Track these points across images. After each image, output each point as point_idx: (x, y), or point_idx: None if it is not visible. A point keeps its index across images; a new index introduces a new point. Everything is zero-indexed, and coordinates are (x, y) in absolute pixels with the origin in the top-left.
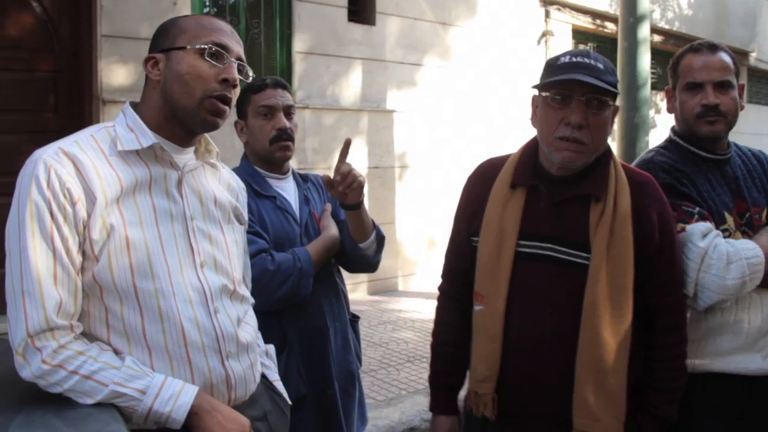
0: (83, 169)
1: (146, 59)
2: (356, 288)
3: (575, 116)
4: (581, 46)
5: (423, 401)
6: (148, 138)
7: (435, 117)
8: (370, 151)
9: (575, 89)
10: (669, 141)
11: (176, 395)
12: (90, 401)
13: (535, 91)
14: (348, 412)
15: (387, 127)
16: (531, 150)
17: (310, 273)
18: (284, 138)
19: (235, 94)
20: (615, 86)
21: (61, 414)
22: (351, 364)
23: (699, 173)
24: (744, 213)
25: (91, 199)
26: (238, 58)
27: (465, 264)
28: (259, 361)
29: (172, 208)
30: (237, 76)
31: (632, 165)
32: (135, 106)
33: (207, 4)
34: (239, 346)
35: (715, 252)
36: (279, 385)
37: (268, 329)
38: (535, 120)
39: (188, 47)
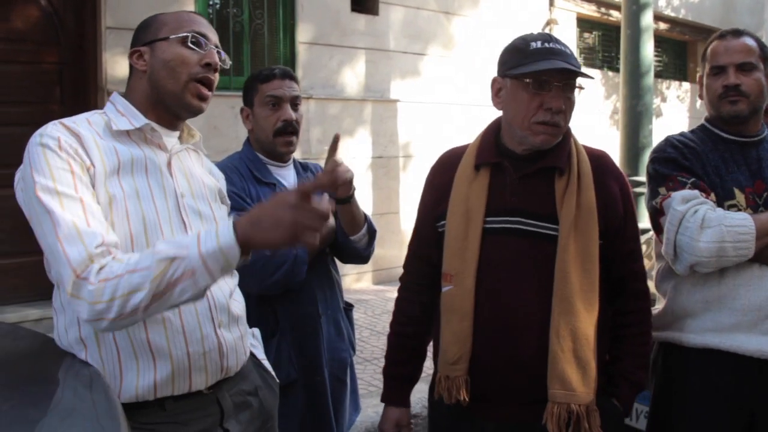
0: (84, 140)
1: (131, 53)
2: (361, 277)
3: (556, 102)
4: (586, 35)
5: (425, 389)
6: (139, 119)
7: (439, 106)
8: (374, 141)
9: (554, 75)
10: (700, 125)
11: (215, 230)
12: (148, 291)
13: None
14: (339, 398)
15: (391, 116)
16: (492, 132)
17: (305, 260)
18: (289, 131)
19: (215, 78)
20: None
21: None
22: (343, 351)
23: (714, 152)
24: (762, 193)
25: (90, 168)
26: (216, 46)
27: (427, 253)
28: (249, 336)
29: (165, 185)
30: (218, 60)
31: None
32: (122, 96)
33: None
34: (230, 316)
35: (693, 216)
36: (266, 364)
37: (260, 314)
38: (499, 102)
39: (171, 37)
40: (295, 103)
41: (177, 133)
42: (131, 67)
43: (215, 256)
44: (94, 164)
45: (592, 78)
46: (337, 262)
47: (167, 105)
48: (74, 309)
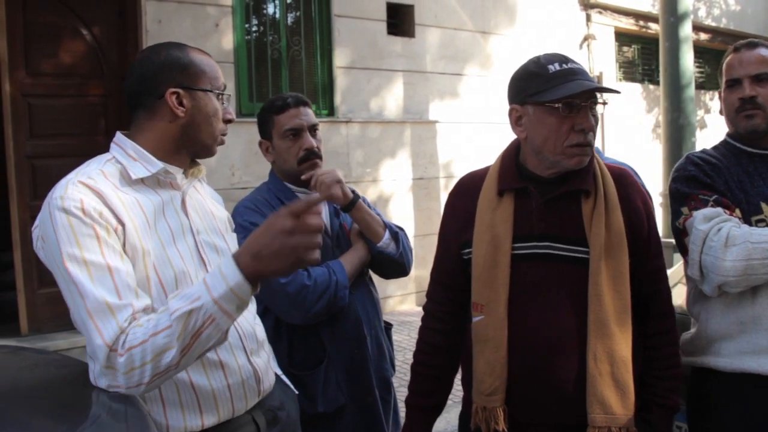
0: (107, 199)
1: (170, 92)
2: (405, 299)
3: (587, 123)
4: (625, 49)
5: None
6: (154, 164)
7: (478, 126)
8: (414, 162)
9: (581, 96)
10: (722, 140)
11: (219, 272)
12: (176, 349)
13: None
14: (385, 418)
15: (430, 138)
16: (511, 156)
17: (346, 285)
18: (312, 157)
19: None
20: None
21: None
22: (386, 371)
23: (737, 166)
24: None
25: (119, 225)
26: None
27: (452, 281)
28: (271, 354)
29: (183, 225)
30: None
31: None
32: (129, 137)
33: (248, 24)
34: (258, 342)
35: (717, 234)
36: (284, 377)
37: (306, 342)
38: (522, 130)
39: (214, 90)
40: (313, 129)
41: (182, 168)
42: (151, 105)
43: (228, 298)
44: (123, 222)
45: (618, 92)
46: (376, 281)
47: (195, 152)
48: (110, 383)
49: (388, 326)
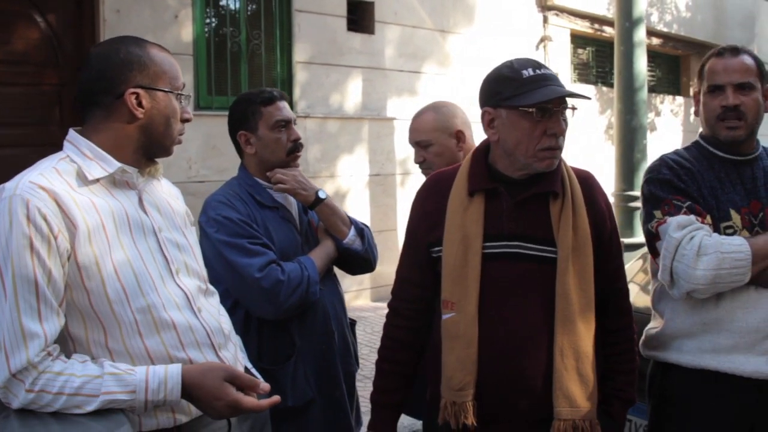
0: (60, 199)
1: (130, 93)
2: (359, 295)
3: (559, 127)
4: (580, 51)
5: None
6: (111, 163)
7: None
8: (371, 158)
9: (553, 102)
10: (694, 142)
11: (163, 381)
12: (84, 410)
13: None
14: (354, 411)
15: (388, 134)
16: (481, 157)
17: (317, 280)
18: (300, 149)
19: None
20: None
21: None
22: (351, 366)
23: (710, 171)
24: (758, 213)
25: (71, 229)
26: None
27: (420, 279)
28: (238, 346)
29: (143, 225)
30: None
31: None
32: (83, 134)
33: (207, 16)
34: (224, 336)
35: (690, 243)
36: (254, 371)
37: (275, 336)
38: (494, 133)
39: (176, 92)
40: (295, 122)
41: (137, 167)
42: (109, 105)
43: (157, 402)
44: (76, 225)
45: (589, 98)
46: (343, 279)
47: (152, 152)
48: (3, 393)
49: (353, 322)
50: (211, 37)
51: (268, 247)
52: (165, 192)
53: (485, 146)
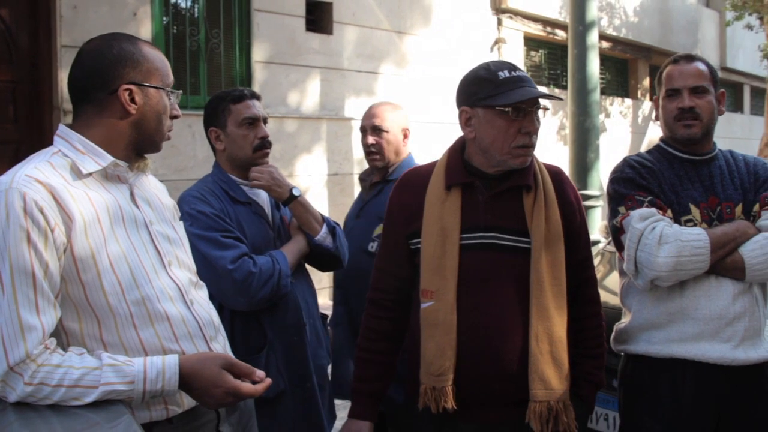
0: (56, 192)
1: (124, 89)
2: (319, 293)
3: (533, 126)
4: (533, 53)
5: None
6: (104, 157)
7: None
8: (329, 158)
9: (527, 102)
10: (656, 145)
11: (161, 371)
12: (83, 401)
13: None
14: (322, 405)
15: (346, 134)
16: (457, 152)
17: (288, 273)
18: (267, 146)
19: None
20: None
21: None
22: (322, 359)
23: (670, 170)
24: (715, 207)
25: (67, 222)
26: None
27: (399, 271)
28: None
29: (136, 218)
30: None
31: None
32: (73, 128)
33: (166, 14)
34: (215, 328)
35: (651, 233)
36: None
37: (247, 328)
38: (471, 131)
39: (166, 89)
40: (265, 121)
41: (128, 162)
42: (101, 101)
43: (155, 393)
44: (72, 218)
45: (561, 99)
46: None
47: (142, 148)
48: (0, 386)
49: (324, 316)
50: (170, 35)
51: (241, 241)
52: (153, 186)
53: (461, 144)
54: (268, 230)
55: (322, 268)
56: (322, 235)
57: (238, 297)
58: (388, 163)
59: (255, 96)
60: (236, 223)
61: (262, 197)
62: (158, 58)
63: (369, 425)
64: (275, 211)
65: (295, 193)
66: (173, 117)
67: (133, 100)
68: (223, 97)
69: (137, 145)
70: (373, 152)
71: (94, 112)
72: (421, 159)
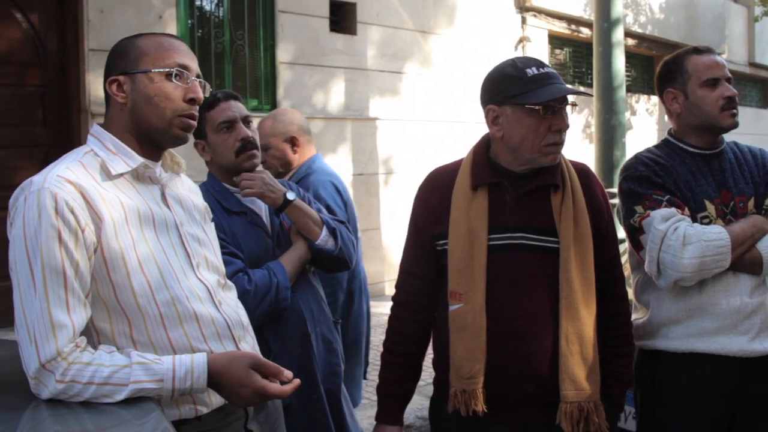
0: (87, 193)
1: (109, 81)
2: None
3: (563, 123)
4: (557, 51)
5: (417, 399)
6: (134, 158)
7: (417, 123)
8: (354, 158)
9: (557, 99)
10: (664, 140)
11: (190, 370)
12: (113, 399)
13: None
14: (338, 411)
15: (370, 134)
16: (482, 152)
17: (287, 285)
18: (249, 147)
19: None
20: None
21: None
22: (335, 365)
23: (682, 166)
24: (728, 202)
25: (97, 222)
26: (198, 76)
27: (424, 273)
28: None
29: (166, 219)
30: (202, 95)
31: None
32: (103, 127)
33: (191, 17)
34: (243, 328)
35: (674, 234)
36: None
37: None
38: (498, 129)
39: (153, 71)
40: (246, 121)
41: (160, 161)
42: (108, 95)
43: (184, 391)
44: (102, 218)
45: (591, 95)
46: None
47: (152, 138)
48: (31, 385)
49: (337, 321)
50: (195, 37)
51: (236, 255)
52: (186, 187)
53: (485, 142)
54: (266, 239)
55: (329, 271)
56: (323, 238)
57: None
58: (283, 174)
59: (231, 96)
60: (231, 236)
61: (258, 204)
62: (152, 43)
63: (400, 429)
64: (274, 218)
65: (290, 197)
66: (189, 100)
67: (122, 90)
68: (200, 105)
69: (141, 134)
70: (267, 168)
71: (107, 108)
72: (446, 159)
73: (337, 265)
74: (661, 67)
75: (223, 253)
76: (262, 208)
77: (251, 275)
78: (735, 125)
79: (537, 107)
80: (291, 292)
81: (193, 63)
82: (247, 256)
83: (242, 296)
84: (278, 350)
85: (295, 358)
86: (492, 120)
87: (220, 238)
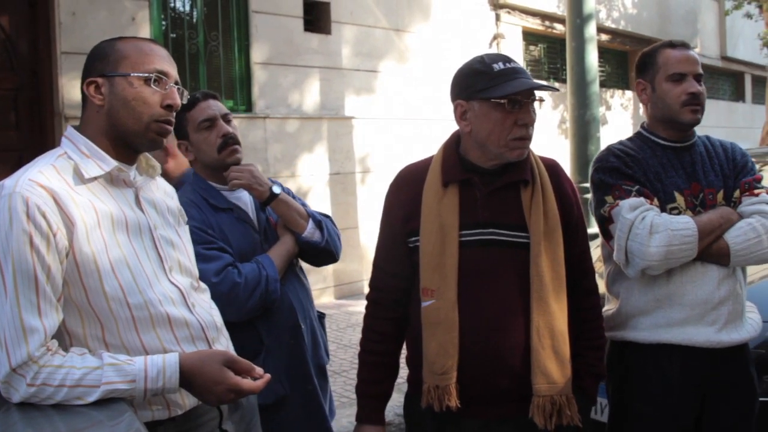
0: (59, 197)
1: (87, 83)
2: (323, 292)
3: (529, 117)
4: (532, 48)
5: (395, 396)
6: (107, 162)
7: (393, 122)
8: (331, 157)
9: (523, 93)
10: (636, 132)
11: (162, 369)
12: (85, 401)
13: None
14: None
15: (346, 133)
16: (452, 148)
17: (276, 278)
18: (230, 143)
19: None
20: None
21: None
22: (321, 359)
23: (653, 158)
24: (698, 194)
25: (69, 227)
26: (176, 82)
27: (398, 270)
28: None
29: (140, 222)
30: (179, 101)
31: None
32: (78, 130)
33: (165, 18)
34: (217, 329)
35: (642, 223)
36: None
37: (243, 335)
38: (467, 124)
39: (132, 74)
40: (227, 119)
41: (135, 165)
42: (84, 97)
43: (156, 391)
44: (74, 222)
45: (558, 90)
46: (307, 273)
47: (127, 141)
48: (2, 389)
49: (321, 315)
50: (169, 38)
51: (225, 251)
52: (161, 190)
53: (455, 139)
54: (254, 234)
55: (316, 264)
56: (309, 231)
57: (227, 309)
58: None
59: (209, 96)
60: (219, 232)
61: (244, 200)
62: (132, 47)
63: (382, 429)
64: (260, 212)
65: (276, 191)
66: (167, 106)
67: (99, 92)
68: (181, 108)
69: (117, 137)
70: None
71: (83, 110)
72: (424, 156)
73: (324, 257)
74: (638, 57)
75: (212, 249)
76: (248, 204)
77: (241, 269)
78: (696, 122)
79: (502, 101)
80: (280, 285)
81: (173, 69)
82: (236, 252)
83: (233, 289)
84: (270, 342)
85: (288, 350)
86: (460, 115)
87: (209, 235)
